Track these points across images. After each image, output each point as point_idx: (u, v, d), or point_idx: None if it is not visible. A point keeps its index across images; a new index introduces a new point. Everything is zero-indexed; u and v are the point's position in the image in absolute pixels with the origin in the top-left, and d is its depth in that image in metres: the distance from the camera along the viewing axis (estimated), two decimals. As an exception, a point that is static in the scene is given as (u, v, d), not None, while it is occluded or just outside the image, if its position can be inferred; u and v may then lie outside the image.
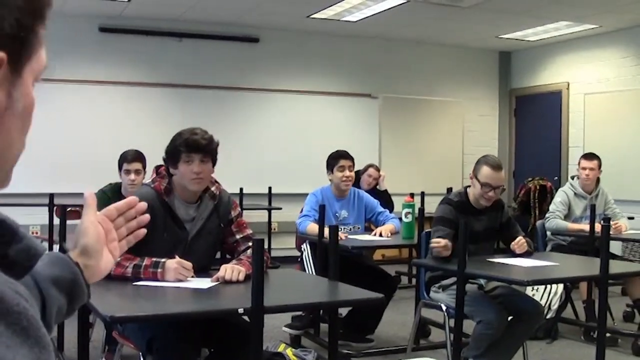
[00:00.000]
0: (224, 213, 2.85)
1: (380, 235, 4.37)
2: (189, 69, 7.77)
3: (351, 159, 4.55)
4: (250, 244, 2.82)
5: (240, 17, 7.48)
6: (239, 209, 2.97)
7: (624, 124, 7.61)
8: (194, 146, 2.71)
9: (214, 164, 2.80)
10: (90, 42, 7.34)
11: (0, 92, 0.66)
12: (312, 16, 7.36)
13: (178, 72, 7.70)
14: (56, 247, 5.40)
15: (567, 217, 5.14)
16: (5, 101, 0.66)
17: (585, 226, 4.90)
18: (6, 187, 0.73)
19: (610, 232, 5.06)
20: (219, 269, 2.64)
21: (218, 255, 2.99)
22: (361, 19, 7.45)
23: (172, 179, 2.78)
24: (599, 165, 5.21)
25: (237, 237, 2.85)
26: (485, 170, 3.55)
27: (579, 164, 5.29)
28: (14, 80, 0.67)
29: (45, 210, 5.68)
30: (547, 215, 5.26)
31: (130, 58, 7.53)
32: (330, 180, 4.55)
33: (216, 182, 2.90)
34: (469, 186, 3.72)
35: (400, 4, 6.77)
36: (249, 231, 2.90)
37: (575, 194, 5.21)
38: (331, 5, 6.93)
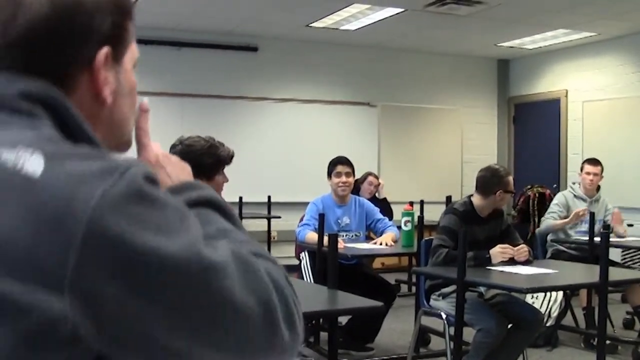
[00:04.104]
0: None
1: (381, 244, 4.38)
2: (187, 78, 7.78)
3: (349, 164, 4.58)
4: None
5: (238, 26, 7.51)
6: None
7: (623, 131, 7.62)
8: (232, 159, 2.88)
9: None
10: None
11: (112, 78, 0.82)
12: (311, 25, 7.38)
13: (177, 81, 7.71)
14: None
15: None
16: (116, 85, 0.83)
17: (565, 221, 5.05)
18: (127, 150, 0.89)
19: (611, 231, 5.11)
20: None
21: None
22: (360, 28, 7.48)
23: None
24: (602, 171, 5.26)
25: None
26: (510, 181, 3.74)
27: (581, 169, 5.31)
28: (118, 68, 0.85)
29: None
30: (544, 216, 5.29)
31: None
32: (331, 186, 4.58)
33: None
34: (472, 195, 3.77)
35: (399, 13, 6.80)
36: None
37: (574, 196, 5.24)
38: (330, 14, 6.96)
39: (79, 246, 0.63)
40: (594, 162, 5.28)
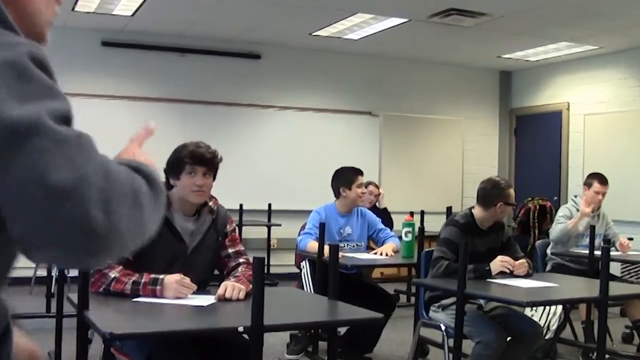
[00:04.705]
0: (221, 227, 2.86)
1: (382, 254, 4.38)
2: (190, 84, 7.79)
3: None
4: (241, 260, 2.83)
5: (242, 33, 7.53)
6: (234, 224, 2.98)
7: (624, 144, 7.63)
8: (199, 159, 2.74)
9: (214, 178, 2.82)
10: (92, 56, 7.37)
11: None
12: (314, 34, 7.40)
13: (180, 87, 7.73)
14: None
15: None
16: None
17: (577, 218, 5.05)
18: (45, 46, 0.99)
19: (618, 251, 5.09)
20: (217, 285, 2.64)
21: (216, 271, 2.98)
22: (363, 37, 7.50)
23: (170, 192, 2.78)
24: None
25: (229, 251, 2.86)
26: (512, 193, 3.73)
27: (588, 184, 5.22)
28: None
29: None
30: (552, 227, 5.24)
31: (132, 72, 7.56)
32: (342, 196, 4.51)
33: (213, 197, 2.91)
34: (473, 207, 3.76)
35: (402, 23, 6.82)
36: (241, 247, 2.91)
37: (578, 210, 5.21)
38: (333, 23, 6.98)
39: None
40: (604, 181, 5.19)
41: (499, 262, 3.52)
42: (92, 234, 0.84)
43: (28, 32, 0.97)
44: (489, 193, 3.70)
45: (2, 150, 0.81)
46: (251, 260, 2.39)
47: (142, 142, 1.18)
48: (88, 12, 6.61)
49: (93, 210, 0.84)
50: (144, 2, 6.26)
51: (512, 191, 3.73)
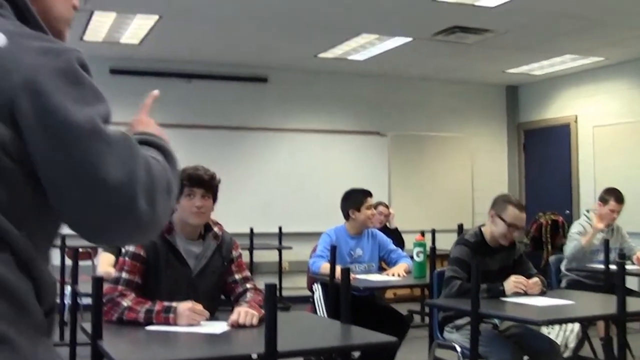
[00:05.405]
0: (227, 252, 2.87)
1: (394, 275, 4.35)
2: (198, 110, 7.84)
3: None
4: (248, 285, 2.83)
5: (248, 57, 7.58)
6: (240, 250, 2.98)
7: (634, 155, 7.58)
8: (196, 181, 2.78)
9: (214, 201, 2.83)
10: (101, 84, 7.16)
11: None
12: (320, 55, 7.44)
13: (187, 113, 7.77)
14: (68, 288, 5.38)
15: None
16: None
17: (590, 235, 4.97)
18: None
19: (635, 264, 5.01)
20: (227, 311, 2.64)
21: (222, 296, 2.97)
22: (368, 58, 7.53)
23: (172, 217, 2.80)
24: None
25: (236, 277, 2.86)
26: (511, 211, 3.54)
27: (605, 201, 5.11)
28: None
29: (57, 251, 5.68)
30: (566, 244, 5.17)
31: (140, 99, 7.41)
32: (351, 218, 4.50)
33: (218, 223, 2.92)
34: (483, 225, 3.71)
35: (407, 42, 6.84)
36: (247, 273, 2.92)
37: (591, 225, 5.14)
38: (338, 45, 7.02)
39: (18, 92, 0.94)
40: (620, 199, 5.09)
41: (512, 283, 3.47)
42: (138, 221, 0.99)
43: (50, 31, 1.08)
44: (492, 204, 3.66)
45: (64, 148, 0.95)
46: (260, 286, 2.38)
47: (148, 109, 1.37)
48: (96, 41, 6.68)
49: (140, 201, 0.98)
50: (150, 30, 6.33)
51: (513, 209, 3.54)
